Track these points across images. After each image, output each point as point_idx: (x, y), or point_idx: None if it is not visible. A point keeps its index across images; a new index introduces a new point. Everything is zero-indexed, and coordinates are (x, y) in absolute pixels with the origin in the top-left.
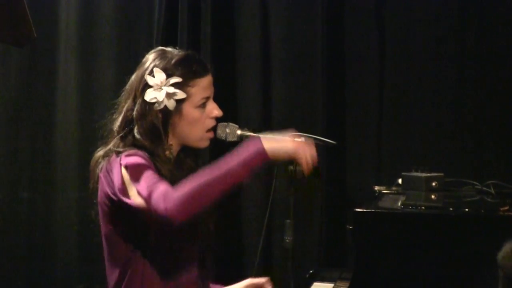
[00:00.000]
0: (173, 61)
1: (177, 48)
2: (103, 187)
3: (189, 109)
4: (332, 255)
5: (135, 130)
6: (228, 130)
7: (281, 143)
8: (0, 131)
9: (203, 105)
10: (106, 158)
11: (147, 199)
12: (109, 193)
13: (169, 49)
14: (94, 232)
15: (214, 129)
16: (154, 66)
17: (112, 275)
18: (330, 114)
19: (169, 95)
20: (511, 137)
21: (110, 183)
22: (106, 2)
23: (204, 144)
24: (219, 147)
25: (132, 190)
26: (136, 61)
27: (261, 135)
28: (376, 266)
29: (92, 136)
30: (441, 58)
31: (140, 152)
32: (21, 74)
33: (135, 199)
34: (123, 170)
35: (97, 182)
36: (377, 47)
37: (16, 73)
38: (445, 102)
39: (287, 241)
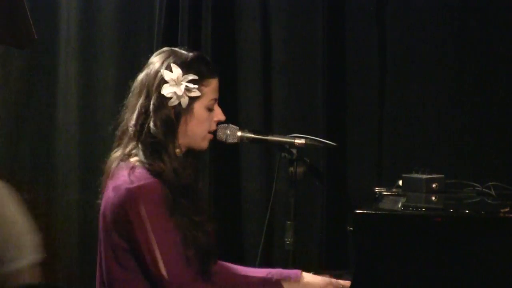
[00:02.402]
0: (189, 59)
1: (183, 48)
2: (112, 198)
3: (199, 108)
4: (333, 256)
5: (151, 123)
6: (228, 132)
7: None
8: (1, 132)
9: (211, 106)
10: (124, 163)
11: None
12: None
13: (177, 49)
14: (95, 233)
15: (214, 132)
16: (170, 62)
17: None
18: (330, 115)
19: (187, 91)
20: None
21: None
22: (106, 3)
23: (205, 145)
24: (219, 148)
25: None
26: (136, 62)
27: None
28: (377, 268)
29: (92, 137)
30: (441, 59)
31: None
32: (21, 75)
33: None
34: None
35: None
36: (377, 48)
37: (17, 74)
38: (446, 103)
39: (288, 242)
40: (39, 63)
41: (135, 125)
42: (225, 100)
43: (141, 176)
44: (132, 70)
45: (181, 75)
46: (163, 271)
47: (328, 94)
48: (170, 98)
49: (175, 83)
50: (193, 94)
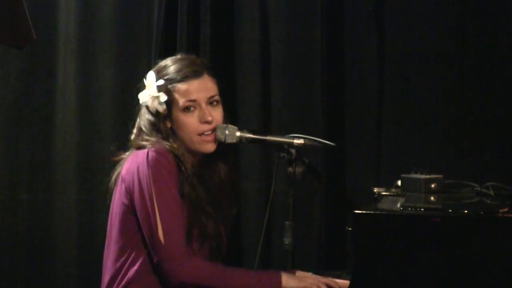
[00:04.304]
0: (165, 64)
1: (192, 54)
2: (130, 163)
3: (176, 113)
4: (332, 256)
5: (145, 133)
6: (227, 132)
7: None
8: (0, 132)
9: (188, 109)
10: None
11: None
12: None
13: (182, 55)
14: (94, 233)
15: (213, 132)
16: (152, 69)
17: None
18: (329, 115)
19: (153, 97)
20: (511, 138)
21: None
22: (105, 4)
23: (205, 147)
24: (217, 149)
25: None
26: (135, 63)
27: (282, 273)
28: (375, 268)
29: (91, 138)
30: (440, 59)
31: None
32: (20, 76)
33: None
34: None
35: (116, 180)
36: (376, 48)
37: (16, 75)
38: (444, 104)
39: (287, 242)
40: (38, 63)
41: (135, 131)
42: (223, 100)
43: (158, 147)
44: (131, 70)
45: (154, 82)
46: (161, 237)
47: (327, 94)
48: (147, 105)
49: (149, 89)
50: (161, 100)
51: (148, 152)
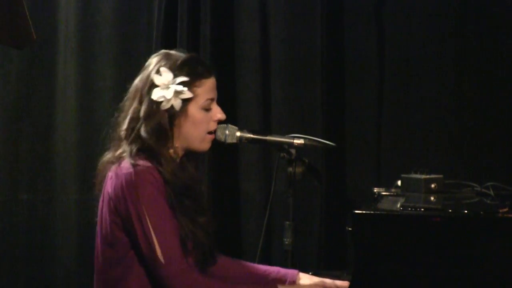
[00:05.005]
0: (179, 62)
1: (179, 50)
2: (114, 182)
3: (193, 110)
4: (332, 257)
5: (142, 129)
6: (227, 132)
7: None
8: (0, 132)
9: (207, 107)
10: (116, 165)
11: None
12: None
13: (172, 51)
14: (94, 233)
15: (215, 132)
16: (160, 66)
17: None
18: (329, 116)
19: (177, 93)
20: (511, 139)
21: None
22: (105, 4)
23: (205, 146)
24: (218, 148)
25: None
26: (135, 63)
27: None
28: (376, 268)
29: (91, 138)
30: (440, 60)
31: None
32: (20, 76)
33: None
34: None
35: (102, 186)
36: (376, 48)
37: (16, 75)
38: (445, 104)
39: (287, 242)
40: (38, 63)
41: (126, 129)
42: (224, 100)
43: (140, 161)
44: (131, 70)
45: (171, 78)
46: (160, 256)
47: (327, 94)
48: (161, 102)
49: (165, 87)
50: (184, 96)
51: (133, 172)
